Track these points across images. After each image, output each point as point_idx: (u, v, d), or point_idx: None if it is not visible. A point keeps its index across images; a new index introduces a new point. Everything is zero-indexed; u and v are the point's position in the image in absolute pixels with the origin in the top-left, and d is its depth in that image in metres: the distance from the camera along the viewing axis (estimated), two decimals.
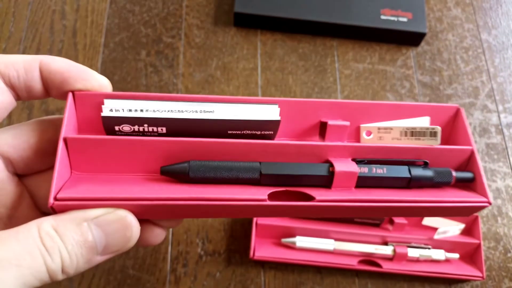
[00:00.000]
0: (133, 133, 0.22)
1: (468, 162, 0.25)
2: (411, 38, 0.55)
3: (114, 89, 0.24)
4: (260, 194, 0.22)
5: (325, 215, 0.24)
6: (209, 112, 0.22)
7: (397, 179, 0.24)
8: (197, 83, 0.52)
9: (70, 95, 0.21)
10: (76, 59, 0.52)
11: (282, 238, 0.44)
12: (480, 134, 0.52)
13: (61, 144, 0.20)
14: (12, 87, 0.20)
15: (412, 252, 0.44)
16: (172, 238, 0.45)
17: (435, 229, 0.44)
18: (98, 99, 0.22)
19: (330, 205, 0.22)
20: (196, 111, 0.22)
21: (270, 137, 0.24)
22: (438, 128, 0.24)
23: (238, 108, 0.23)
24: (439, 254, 0.44)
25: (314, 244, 0.44)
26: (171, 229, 0.45)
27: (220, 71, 0.53)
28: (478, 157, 0.25)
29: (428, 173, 0.24)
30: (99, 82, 0.21)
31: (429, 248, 0.44)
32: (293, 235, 0.44)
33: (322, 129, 0.25)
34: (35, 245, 0.17)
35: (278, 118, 0.23)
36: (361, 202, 0.22)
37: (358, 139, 0.26)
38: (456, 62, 0.56)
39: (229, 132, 0.23)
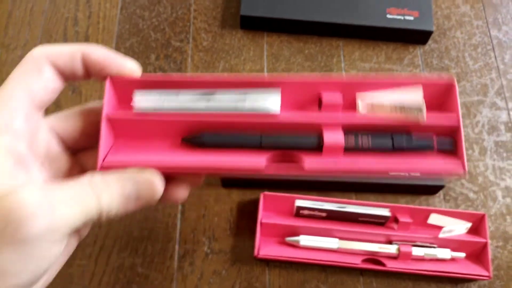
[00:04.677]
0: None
1: (455, 132, 0.27)
2: (418, 37, 0.54)
3: None
4: (259, 164, 0.26)
5: (311, 175, 0.27)
6: (217, 101, 0.27)
7: (381, 149, 0.27)
8: None
9: (108, 79, 0.26)
10: None
11: (286, 237, 0.45)
12: (488, 132, 0.51)
13: (104, 121, 0.26)
14: (60, 73, 0.25)
15: (417, 251, 0.44)
16: (179, 236, 0.46)
17: (440, 227, 0.44)
18: (130, 82, 0.27)
19: (317, 171, 0.26)
20: (201, 103, 0.27)
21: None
22: (424, 109, 0.26)
23: (243, 98, 0.27)
24: (444, 253, 0.44)
25: (318, 243, 0.44)
26: (178, 229, 0.46)
27: (227, 73, 0.54)
28: (462, 127, 0.26)
29: (411, 143, 0.27)
30: (130, 69, 0.26)
31: (434, 247, 0.44)
32: (297, 234, 0.45)
33: (320, 102, 0.28)
34: (90, 189, 0.23)
35: (278, 110, 0.27)
36: (342, 171, 0.26)
37: (354, 109, 0.28)
38: (464, 59, 0.55)
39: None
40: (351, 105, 0.28)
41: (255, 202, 0.47)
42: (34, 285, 0.23)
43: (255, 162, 0.26)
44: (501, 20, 0.57)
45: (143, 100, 0.27)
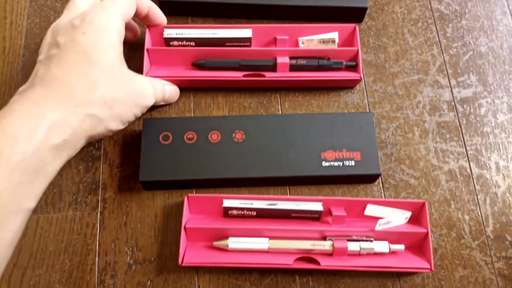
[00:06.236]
0: (179, 46, 0.47)
1: (356, 57, 0.47)
2: (352, 14, 0.51)
3: None
4: (238, 77, 0.46)
5: (270, 85, 0.49)
6: (215, 34, 0.47)
7: (312, 66, 0.47)
8: None
9: (147, 29, 0.47)
10: None
11: (215, 240, 0.42)
12: (430, 113, 0.48)
13: (145, 52, 0.46)
14: (139, 9, 0.43)
15: (352, 246, 0.41)
16: (99, 248, 0.43)
17: (378, 219, 0.41)
18: (160, 28, 0.47)
19: (273, 80, 0.47)
20: (208, 34, 0.47)
21: (248, 46, 0.48)
22: (336, 40, 0.47)
23: (230, 31, 0.47)
24: (382, 246, 0.41)
25: (247, 244, 0.41)
26: (97, 239, 0.43)
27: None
28: (360, 54, 0.47)
29: (329, 62, 0.47)
30: (162, 21, 0.47)
31: (371, 241, 0.41)
32: (227, 237, 0.41)
33: (275, 41, 0.48)
34: (150, 85, 0.42)
35: (250, 35, 0.47)
36: (287, 77, 0.47)
37: (297, 45, 0.48)
38: (403, 36, 0.52)
39: (226, 44, 0.47)
40: (295, 44, 0.48)
41: (182, 205, 0.44)
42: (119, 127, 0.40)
43: (236, 75, 0.46)
44: None
45: (169, 32, 0.46)
